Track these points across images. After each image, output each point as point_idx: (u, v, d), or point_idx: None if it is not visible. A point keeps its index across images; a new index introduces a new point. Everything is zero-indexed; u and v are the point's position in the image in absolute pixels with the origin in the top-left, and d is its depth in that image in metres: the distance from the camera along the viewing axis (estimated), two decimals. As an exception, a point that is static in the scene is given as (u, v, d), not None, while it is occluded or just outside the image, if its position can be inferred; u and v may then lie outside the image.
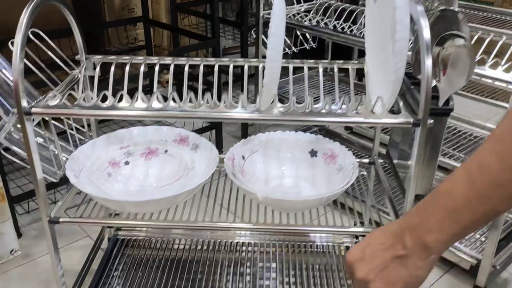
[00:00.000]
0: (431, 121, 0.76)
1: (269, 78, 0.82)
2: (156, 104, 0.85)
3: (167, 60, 1.08)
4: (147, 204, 0.91)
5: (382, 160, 1.17)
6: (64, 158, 1.03)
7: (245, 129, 1.97)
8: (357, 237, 1.32)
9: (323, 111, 0.81)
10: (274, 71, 0.83)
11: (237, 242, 1.33)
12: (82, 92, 1.03)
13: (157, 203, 0.91)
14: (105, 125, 1.88)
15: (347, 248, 1.31)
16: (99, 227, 1.39)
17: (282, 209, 0.96)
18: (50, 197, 1.55)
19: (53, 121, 1.01)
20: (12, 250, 1.32)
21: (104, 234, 1.34)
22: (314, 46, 1.81)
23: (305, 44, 1.78)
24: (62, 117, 1.05)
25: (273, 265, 1.25)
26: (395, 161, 1.03)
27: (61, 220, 0.96)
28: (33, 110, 0.82)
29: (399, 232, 0.59)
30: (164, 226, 0.95)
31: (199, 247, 1.31)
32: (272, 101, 0.84)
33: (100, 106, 0.86)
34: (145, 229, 1.36)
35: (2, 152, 1.01)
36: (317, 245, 1.31)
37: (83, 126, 1.15)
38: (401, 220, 0.60)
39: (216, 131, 1.91)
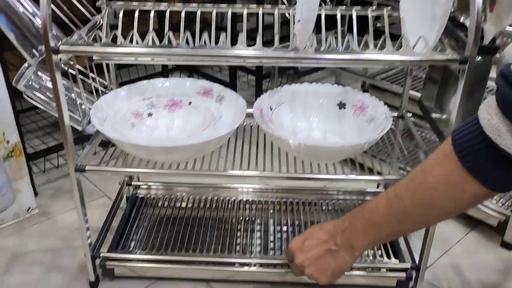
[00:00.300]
0: (479, 57, 0.73)
1: (307, 15, 0.78)
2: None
3: (193, 7, 1.04)
4: (176, 150, 0.88)
5: (411, 114, 1.14)
6: (87, 108, 1.00)
7: (259, 90, 1.91)
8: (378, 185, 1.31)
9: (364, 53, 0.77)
10: (311, 8, 0.79)
11: (257, 200, 1.30)
12: (106, 36, 0.99)
13: (186, 150, 0.88)
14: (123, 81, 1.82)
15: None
16: (117, 186, 1.37)
17: (314, 158, 0.93)
18: (65, 156, 1.52)
19: (72, 70, 0.98)
20: (29, 208, 1.29)
21: (122, 193, 1.31)
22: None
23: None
24: (85, 58, 1.01)
25: (288, 221, 1.24)
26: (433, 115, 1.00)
27: (87, 168, 0.94)
28: (61, 48, 0.78)
29: (333, 232, 0.76)
30: (190, 174, 0.92)
31: (217, 205, 1.29)
32: (308, 44, 0.81)
33: (126, 44, 0.83)
34: (162, 187, 1.34)
35: (25, 96, 0.97)
36: (333, 203, 1.29)
37: (103, 78, 1.12)
38: (336, 222, 0.77)
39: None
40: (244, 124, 1.15)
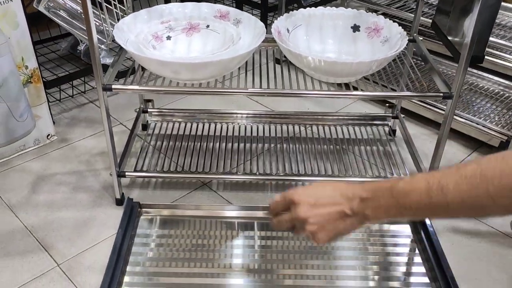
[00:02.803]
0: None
1: None
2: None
3: None
4: (202, 67, 0.91)
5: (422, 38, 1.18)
6: (111, 30, 1.02)
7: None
8: (389, 104, 1.36)
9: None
10: None
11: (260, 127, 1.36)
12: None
13: (212, 66, 0.92)
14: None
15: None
16: (129, 116, 1.41)
17: (332, 74, 0.97)
18: (80, 87, 1.55)
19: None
20: (49, 135, 1.33)
21: (139, 120, 1.35)
22: None
23: None
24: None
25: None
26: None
27: (113, 87, 0.97)
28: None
29: (351, 197, 0.70)
30: (219, 92, 0.96)
31: (222, 132, 1.35)
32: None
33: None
34: (173, 114, 1.39)
35: (51, 16, 0.99)
36: (348, 129, 1.35)
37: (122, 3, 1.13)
38: (355, 189, 0.71)
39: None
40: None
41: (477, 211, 0.61)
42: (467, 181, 0.59)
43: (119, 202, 1.13)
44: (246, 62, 1.04)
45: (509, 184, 0.57)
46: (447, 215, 0.64)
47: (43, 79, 1.31)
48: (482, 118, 1.34)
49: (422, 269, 0.97)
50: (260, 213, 1.09)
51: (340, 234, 0.75)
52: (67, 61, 1.67)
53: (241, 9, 1.93)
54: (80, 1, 1.05)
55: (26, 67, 1.21)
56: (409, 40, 1.17)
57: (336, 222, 0.73)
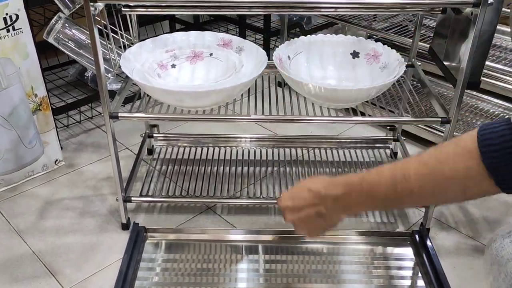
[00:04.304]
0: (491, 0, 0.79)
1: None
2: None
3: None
4: (205, 95, 0.94)
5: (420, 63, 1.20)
6: (117, 59, 1.05)
7: (267, 48, 1.96)
8: (390, 127, 1.39)
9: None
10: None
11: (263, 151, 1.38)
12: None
13: (215, 95, 0.95)
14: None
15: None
16: (135, 140, 1.44)
17: (333, 100, 0.99)
18: (87, 113, 1.59)
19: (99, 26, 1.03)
20: (56, 160, 1.36)
21: (144, 145, 1.38)
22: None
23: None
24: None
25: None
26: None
27: (120, 115, 1.00)
28: (99, -3, 0.84)
29: (324, 196, 0.75)
30: (223, 119, 0.99)
31: (226, 156, 1.37)
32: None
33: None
34: (180, 139, 1.41)
35: (60, 48, 1.02)
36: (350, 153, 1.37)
37: (128, 33, 1.16)
38: (326, 185, 0.75)
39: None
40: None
41: (439, 195, 0.64)
42: (425, 166, 0.63)
43: (125, 226, 1.15)
44: (249, 87, 1.07)
45: (461, 165, 0.60)
46: (415, 201, 0.69)
47: (52, 105, 1.34)
48: (483, 140, 1.36)
49: (424, 293, 0.98)
50: (264, 237, 1.11)
51: (326, 227, 0.80)
52: (75, 87, 1.71)
53: (244, 34, 1.99)
54: (88, 32, 1.09)
55: (36, 95, 1.25)
56: (408, 66, 1.20)
57: (318, 220, 0.78)
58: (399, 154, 1.38)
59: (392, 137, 1.38)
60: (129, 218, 1.16)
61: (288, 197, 0.81)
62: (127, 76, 1.13)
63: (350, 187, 0.73)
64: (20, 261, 1.06)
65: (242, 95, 1.05)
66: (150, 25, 1.96)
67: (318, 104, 1.06)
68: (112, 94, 1.09)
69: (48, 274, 1.03)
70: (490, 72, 1.51)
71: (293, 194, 0.81)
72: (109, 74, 1.01)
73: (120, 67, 1.00)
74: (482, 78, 1.05)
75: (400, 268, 1.04)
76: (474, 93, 1.56)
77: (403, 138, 1.36)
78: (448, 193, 0.63)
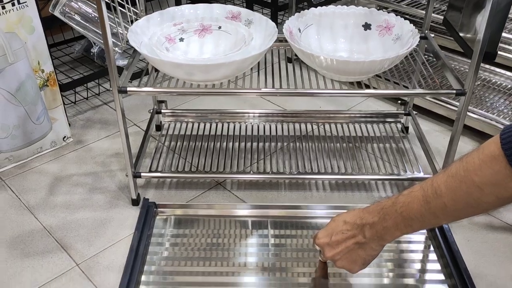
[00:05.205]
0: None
1: None
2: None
3: None
4: (215, 68, 0.93)
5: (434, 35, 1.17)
6: (125, 33, 1.04)
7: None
8: (401, 101, 1.37)
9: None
10: None
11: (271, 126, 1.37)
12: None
13: (225, 67, 0.93)
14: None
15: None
16: (143, 117, 1.43)
17: (345, 73, 0.97)
18: (94, 89, 1.58)
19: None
20: (65, 137, 1.36)
21: (152, 123, 1.37)
22: None
23: None
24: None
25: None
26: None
27: (128, 89, 0.98)
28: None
29: (360, 225, 0.77)
30: (233, 93, 0.97)
31: (235, 132, 1.36)
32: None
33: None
34: (187, 115, 1.40)
35: (66, 21, 1.01)
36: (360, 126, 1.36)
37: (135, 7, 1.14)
38: (361, 214, 0.78)
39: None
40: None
41: (473, 205, 0.63)
42: (454, 179, 0.63)
43: (135, 202, 1.15)
44: (258, 61, 1.05)
45: (489, 170, 0.60)
46: (450, 217, 0.68)
47: (59, 82, 1.33)
48: (496, 114, 1.34)
49: (437, 266, 0.98)
50: (273, 211, 1.11)
51: (366, 260, 0.82)
52: (81, 64, 1.69)
53: (252, 8, 1.95)
54: (94, 5, 1.07)
55: (43, 71, 1.24)
56: (421, 37, 1.17)
57: (358, 252, 0.80)
58: (410, 129, 1.36)
59: (403, 112, 1.36)
60: (139, 194, 1.16)
61: (325, 234, 0.82)
62: (134, 51, 1.11)
63: (384, 211, 0.74)
64: (31, 237, 1.07)
65: (251, 70, 1.03)
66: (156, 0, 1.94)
67: (329, 77, 1.04)
68: (120, 70, 1.07)
69: (59, 249, 1.03)
70: (504, 45, 1.47)
71: (329, 230, 0.82)
72: (117, 48, 0.99)
73: (127, 41, 0.98)
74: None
75: (411, 242, 1.03)
76: (487, 66, 1.53)
77: (414, 112, 1.34)
78: (481, 202, 0.62)
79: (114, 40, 1.00)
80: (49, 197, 1.18)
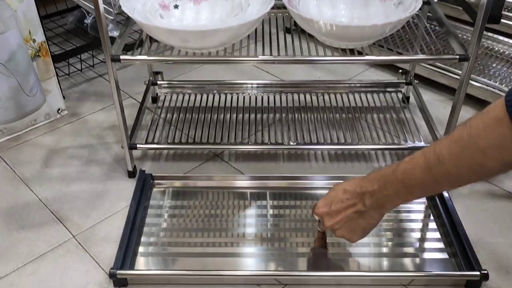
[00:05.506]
0: None
1: None
2: None
3: None
4: (212, 35, 0.90)
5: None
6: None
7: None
8: (402, 70, 1.34)
9: None
10: None
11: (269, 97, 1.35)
12: None
13: (221, 34, 0.90)
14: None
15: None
16: (138, 89, 1.40)
17: (345, 39, 0.94)
18: (88, 61, 1.54)
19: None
20: (59, 109, 1.33)
21: (147, 94, 1.34)
22: None
23: None
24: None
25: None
26: None
27: (121, 57, 0.96)
28: None
29: (360, 194, 0.76)
30: (229, 61, 0.95)
31: (233, 103, 1.34)
32: None
33: None
34: (183, 86, 1.37)
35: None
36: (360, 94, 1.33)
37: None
38: (361, 183, 0.76)
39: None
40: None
41: (477, 170, 0.61)
42: (457, 144, 0.61)
43: (131, 174, 1.13)
44: (256, 31, 1.02)
45: (493, 134, 0.57)
46: (453, 183, 0.66)
47: (51, 53, 1.30)
48: (498, 82, 1.31)
49: (437, 235, 0.97)
50: (272, 183, 1.09)
51: (366, 228, 0.81)
52: (75, 35, 1.65)
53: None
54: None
55: (34, 41, 1.20)
56: (424, 2, 1.14)
57: (358, 220, 0.79)
58: (411, 99, 1.34)
59: (404, 81, 1.33)
60: (135, 165, 1.14)
61: (325, 203, 0.81)
62: (127, 19, 1.08)
63: (384, 179, 0.72)
64: (27, 209, 1.05)
65: (248, 40, 1.00)
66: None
67: (328, 44, 1.01)
68: (114, 41, 1.04)
69: (56, 221, 1.02)
70: (508, 13, 1.44)
71: (329, 199, 0.81)
72: (110, 15, 0.96)
73: (120, 7, 0.95)
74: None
75: (410, 211, 1.02)
76: (490, 34, 1.49)
77: (416, 81, 1.32)
78: (485, 167, 0.60)
79: (106, 7, 0.96)
80: (45, 170, 1.16)
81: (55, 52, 1.48)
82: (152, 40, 1.19)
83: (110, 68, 0.95)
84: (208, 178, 1.11)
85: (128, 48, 1.40)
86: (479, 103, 1.31)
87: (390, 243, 0.95)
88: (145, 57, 0.99)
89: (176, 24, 1.02)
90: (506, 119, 0.56)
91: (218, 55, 0.99)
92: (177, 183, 1.10)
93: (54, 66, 1.31)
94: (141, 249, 0.94)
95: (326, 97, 1.34)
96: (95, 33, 1.59)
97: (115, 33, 1.49)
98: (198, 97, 1.35)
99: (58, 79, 1.33)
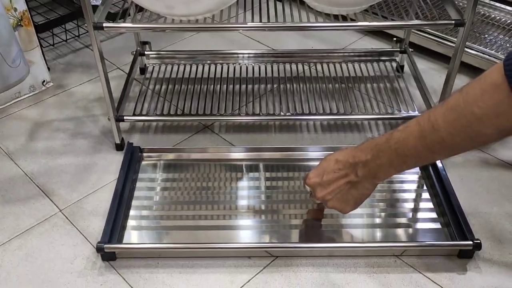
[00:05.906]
0: None
1: None
2: None
3: None
4: (197, 0, 0.86)
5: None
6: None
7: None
8: (396, 38, 1.31)
9: None
10: None
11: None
12: None
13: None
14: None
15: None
16: (125, 60, 1.36)
17: (337, 4, 0.91)
18: (74, 31, 1.49)
19: None
20: (44, 81, 1.29)
21: (135, 64, 1.30)
22: None
23: None
24: None
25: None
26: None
27: (104, 25, 0.92)
28: None
29: (353, 164, 0.74)
30: (217, 28, 0.91)
31: (223, 74, 1.30)
32: None
33: None
34: (172, 56, 1.33)
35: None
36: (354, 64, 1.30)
37: None
38: (353, 152, 0.74)
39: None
40: None
41: (473, 138, 0.59)
42: (453, 111, 0.59)
43: (119, 147, 1.10)
44: (245, 0, 0.98)
45: (491, 100, 0.55)
46: (448, 151, 0.64)
47: (34, 23, 1.25)
48: (494, 50, 1.28)
49: (430, 205, 0.96)
50: (265, 154, 1.07)
51: (358, 199, 0.79)
52: (60, 5, 1.59)
53: None
54: None
55: (15, 9, 1.16)
56: (419, -33, 1.10)
57: (350, 191, 0.77)
58: (406, 68, 1.31)
59: (398, 49, 1.30)
60: (123, 138, 1.11)
61: (316, 174, 0.79)
62: (111, -15, 1.04)
63: (377, 148, 0.70)
64: (12, 183, 1.03)
65: (237, 8, 0.95)
66: None
67: (320, 10, 0.97)
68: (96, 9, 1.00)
69: (41, 195, 1.00)
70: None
71: (320, 170, 0.78)
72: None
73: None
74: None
75: (403, 181, 1.01)
76: (487, 0, 1.46)
77: (410, 50, 1.28)
78: (481, 134, 0.58)
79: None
80: (30, 143, 1.13)
81: (39, 22, 1.43)
82: (137, 8, 1.15)
83: (92, 36, 0.91)
84: (199, 150, 1.08)
85: (114, 17, 1.36)
86: (474, 71, 1.29)
87: (383, 214, 0.94)
88: (129, 24, 0.95)
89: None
90: (504, 85, 0.54)
91: (206, 22, 0.95)
92: (167, 156, 1.08)
93: (38, 37, 1.26)
94: (130, 222, 0.93)
95: (319, 67, 1.31)
96: (80, 2, 1.54)
97: (99, 1, 1.45)
98: (188, 67, 1.31)
99: (42, 50, 1.29)
